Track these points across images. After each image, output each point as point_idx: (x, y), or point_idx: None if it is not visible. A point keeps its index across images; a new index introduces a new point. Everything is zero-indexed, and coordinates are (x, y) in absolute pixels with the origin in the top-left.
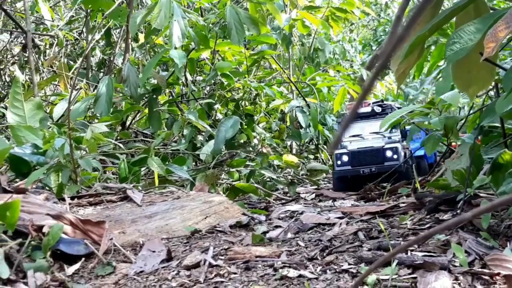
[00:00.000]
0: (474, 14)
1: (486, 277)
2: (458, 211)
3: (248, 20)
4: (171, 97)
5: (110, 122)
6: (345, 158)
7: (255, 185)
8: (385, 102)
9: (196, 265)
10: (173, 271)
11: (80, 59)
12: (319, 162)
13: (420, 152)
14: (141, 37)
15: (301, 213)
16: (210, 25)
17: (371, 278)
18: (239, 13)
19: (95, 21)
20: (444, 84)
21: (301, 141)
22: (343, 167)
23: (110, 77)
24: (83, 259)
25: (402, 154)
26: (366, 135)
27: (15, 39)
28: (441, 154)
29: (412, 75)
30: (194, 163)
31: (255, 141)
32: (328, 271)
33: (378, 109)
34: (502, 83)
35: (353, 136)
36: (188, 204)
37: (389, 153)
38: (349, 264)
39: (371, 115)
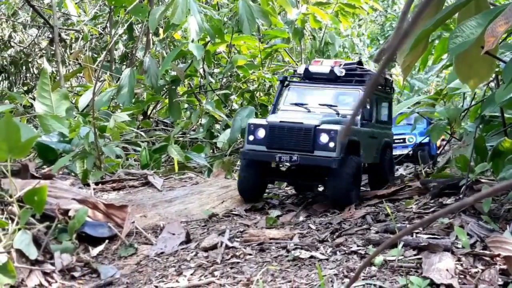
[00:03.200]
0: (475, 10)
1: (487, 258)
2: (461, 196)
3: (259, 12)
4: (189, 88)
5: (132, 111)
6: (261, 133)
7: None
8: (363, 67)
9: (214, 247)
10: (192, 252)
11: (104, 52)
12: None
13: (425, 139)
14: (162, 32)
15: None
16: (225, 19)
17: (379, 259)
18: (251, 6)
19: (118, 16)
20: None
21: None
22: (256, 145)
23: (132, 69)
24: (106, 241)
25: (343, 143)
26: (314, 106)
27: (43, 33)
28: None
29: (417, 68)
30: (211, 151)
31: None
32: (338, 252)
33: (339, 72)
34: (502, 75)
35: (296, 104)
36: (206, 189)
37: (323, 138)
38: (358, 246)
39: (330, 79)
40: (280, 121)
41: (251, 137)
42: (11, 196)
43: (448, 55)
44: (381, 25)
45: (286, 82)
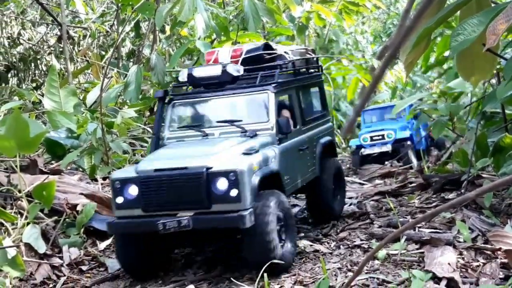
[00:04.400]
0: (476, 8)
1: (488, 252)
2: (462, 191)
3: (264, 10)
4: None
5: (139, 108)
6: (132, 190)
7: None
8: (273, 50)
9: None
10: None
11: (111, 49)
12: None
13: (405, 135)
14: (168, 29)
15: None
16: (231, 16)
17: (382, 253)
18: (256, 3)
19: (125, 14)
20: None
21: None
22: (128, 210)
23: (139, 66)
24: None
25: (252, 186)
26: (212, 126)
27: (51, 31)
28: (434, 140)
29: (420, 65)
30: None
31: None
32: (341, 246)
33: (235, 71)
34: (503, 72)
35: (186, 127)
36: None
37: (221, 184)
38: (361, 240)
39: (225, 83)
40: (156, 170)
41: (119, 199)
42: (20, 191)
43: (450, 52)
44: (383, 22)
45: (168, 98)
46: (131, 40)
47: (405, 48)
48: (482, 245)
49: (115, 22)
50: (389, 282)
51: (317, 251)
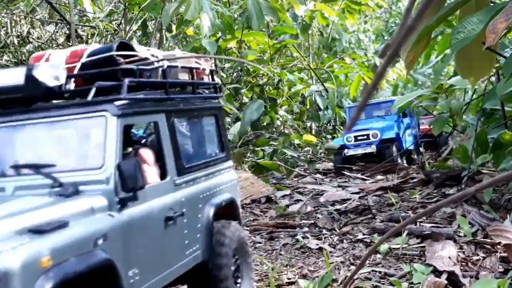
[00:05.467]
0: (476, 7)
1: (488, 246)
2: (463, 186)
3: (268, 9)
4: None
5: None
6: None
7: (278, 162)
8: (133, 52)
9: None
10: None
11: None
12: None
13: (390, 135)
14: (174, 28)
15: (322, 190)
16: (235, 15)
17: (384, 247)
18: (260, 2)
19: (133, 13)
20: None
21: (319, 123)
22: None
23: None
24: None
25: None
26: (7, 176)
27: (60, 29)
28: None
29: (421, 63)
30: None
31: (278, 122)
32: (344, 240)
33: (51, 79)
34: (502, 69)
35: None
36: None
37: None
38: (364, 234)
39: (32, 98)
40: None
41: None
42: None
43: (450, 50)
44: (385, 21)
45: None
46: (138, 39)
47: (406, 46)
48: (482, 239)
49: (123, 21)
50: (391, 276)
51: (320, 245)
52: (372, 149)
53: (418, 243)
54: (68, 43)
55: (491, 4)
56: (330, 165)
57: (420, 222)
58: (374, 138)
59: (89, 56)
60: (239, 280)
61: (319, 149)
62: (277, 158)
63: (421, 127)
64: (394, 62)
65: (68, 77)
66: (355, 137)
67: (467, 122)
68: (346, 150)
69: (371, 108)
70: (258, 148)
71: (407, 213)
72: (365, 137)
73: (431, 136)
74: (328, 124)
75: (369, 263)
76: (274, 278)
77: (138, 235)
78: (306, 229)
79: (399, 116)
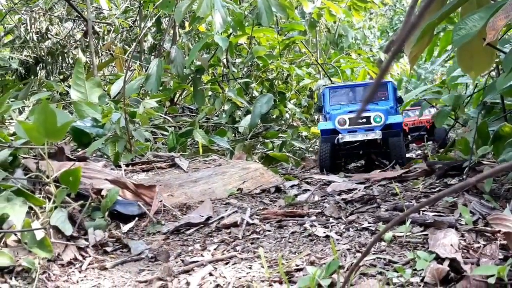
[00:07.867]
0: (477, 4)
1: (489, 234)
2: (464, 177)
3: (277, 6)
4: (213, 77)
5: (160, 98)
6: None
7: (287, 154)
8: None
9: (235, 224)
10: (215, 229)
11: (134, 44)
12: None
13: (398, 119)
14: (187, 25)
15: (329, 180)
16: (246, 12)
17: (388, 235)
18: (269, 0)
19: (147, 10)
20: (456, 66)
21: None
22: None
23: (160, 60)
24: (136, 218)
25: None
26: None
27: (78, 26)
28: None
29: (424, 58)
30: (233, 135)
31: (287, 115)
32: (350, 229)
33: None
34: (502, 64)
35: None
36: (228, 170)
37: None
38: (369, 223)
39: None
40: None
41: None
42: (48, 177)
43: (452, 46)
44: (390, 18)
45: None
46: (153, 35)
47: (410, 42)
48: (483, 227)
49: (138, 18)
50: (395, 262)
51: (327, 233)
52: (377, 135)
53: (421, 231)
54: (85, 39)
55: (492, 2)
56: None
57: (423, 211)
58: (376, 123)
59: None
60: None
61: None
62: (285, 150)
63: (408, 119)
64: (398, 57)
65: None
66: (350, 119)
67: (468, 115)
68: (340, 136)
69: (355, 90)
70: (268, 140)
71: (411, 202)
72: (364, 120)
73: (422, 129)
74: None
75: (374, 251)
76: (283, 265)
77: None
78: (313, 217)
79: (396, 98)
